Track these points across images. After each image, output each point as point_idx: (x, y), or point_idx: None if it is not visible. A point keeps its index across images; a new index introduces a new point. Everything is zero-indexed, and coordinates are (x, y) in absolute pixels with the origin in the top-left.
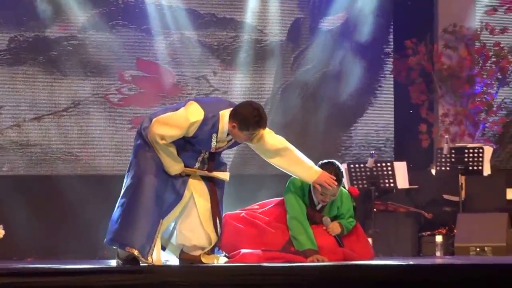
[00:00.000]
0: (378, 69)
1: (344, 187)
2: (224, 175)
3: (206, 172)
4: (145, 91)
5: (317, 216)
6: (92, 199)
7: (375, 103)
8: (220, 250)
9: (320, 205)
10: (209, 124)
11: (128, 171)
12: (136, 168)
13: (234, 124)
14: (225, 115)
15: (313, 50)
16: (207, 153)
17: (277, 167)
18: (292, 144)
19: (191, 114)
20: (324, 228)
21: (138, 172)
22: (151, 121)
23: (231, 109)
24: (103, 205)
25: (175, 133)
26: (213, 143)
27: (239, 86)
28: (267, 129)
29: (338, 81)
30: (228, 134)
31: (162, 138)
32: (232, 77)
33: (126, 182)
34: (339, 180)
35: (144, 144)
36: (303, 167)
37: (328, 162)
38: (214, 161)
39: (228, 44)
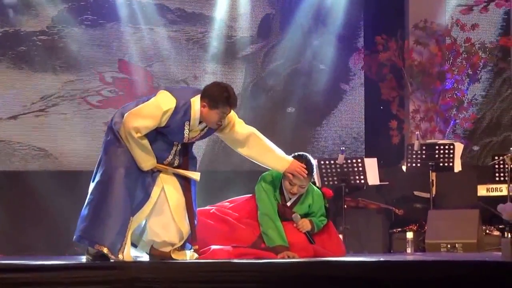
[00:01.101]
0: (349, 65)
1: (316, 185)
2: (195, 175)
3: (177, 170)
4: (125, 93)
5: (288, 213)
6: (63, 195)
7: (345, 99)
8: (190, 245)
9: (291, 201)
10: (181, 111)
11: (98, 167)
12: (107, 165)
13: (204, 103)
14: (196, 102)
15: (284, 46)
16: (179, 145)
17: (248, 157)
18: None
19: (163, 102)
20: (295, 225)
21: (109, 169)
22: (122, 115)
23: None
24: (74, 201)
25: (149, 123)
26: (186, 132)
27: (209, 82)
28: (238, 118)
29: (308, 77)
30: (200, 122)
31: (137, 130)
32: (202, 73)
33: (95, 178)
34: (309, 170)
35: (114, 139)
36: (274, 156)
37: (299, 154)
38: (187, 153)
39: (198, 39)
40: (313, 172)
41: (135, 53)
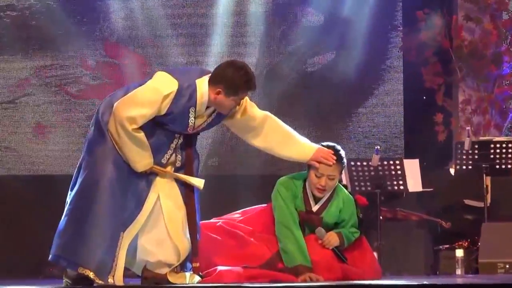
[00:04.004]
0: (384, 47)
1: (347, 189)
2: (198, 182)
3: (177, 174)
4: (112, 81)
5: (316, 220)
6: (38, 204)
7: (380, 87)
8: (191, 265)
9: (317, 206)
10: (185, 95)
11: (79, 170)
12: (90, 168)
13: (219, 89)
14: (202, 83)
15: (304, 25)
16: (181, 137)
17: (264, 149)
18: None
19: (163, 85)
20: (320, 241)
21: (93, 172)
22: (111, 105)
23: (208, 76)
24: (50, 212)
25: (147, 111)
26: (191, 120)
27: (214, 67)
28: (250, 101)
29: (335, 62)
30: (207, 108)
31: (132, 121)
32: (208, 58)
33: (77, 184)
34: (339, 157)
35: (100, 135)
36: (296, 144)
37: (327, 143)
38: (189, 149)
39: (200, 16)
40: (343, 161)
41: (124, 33)
